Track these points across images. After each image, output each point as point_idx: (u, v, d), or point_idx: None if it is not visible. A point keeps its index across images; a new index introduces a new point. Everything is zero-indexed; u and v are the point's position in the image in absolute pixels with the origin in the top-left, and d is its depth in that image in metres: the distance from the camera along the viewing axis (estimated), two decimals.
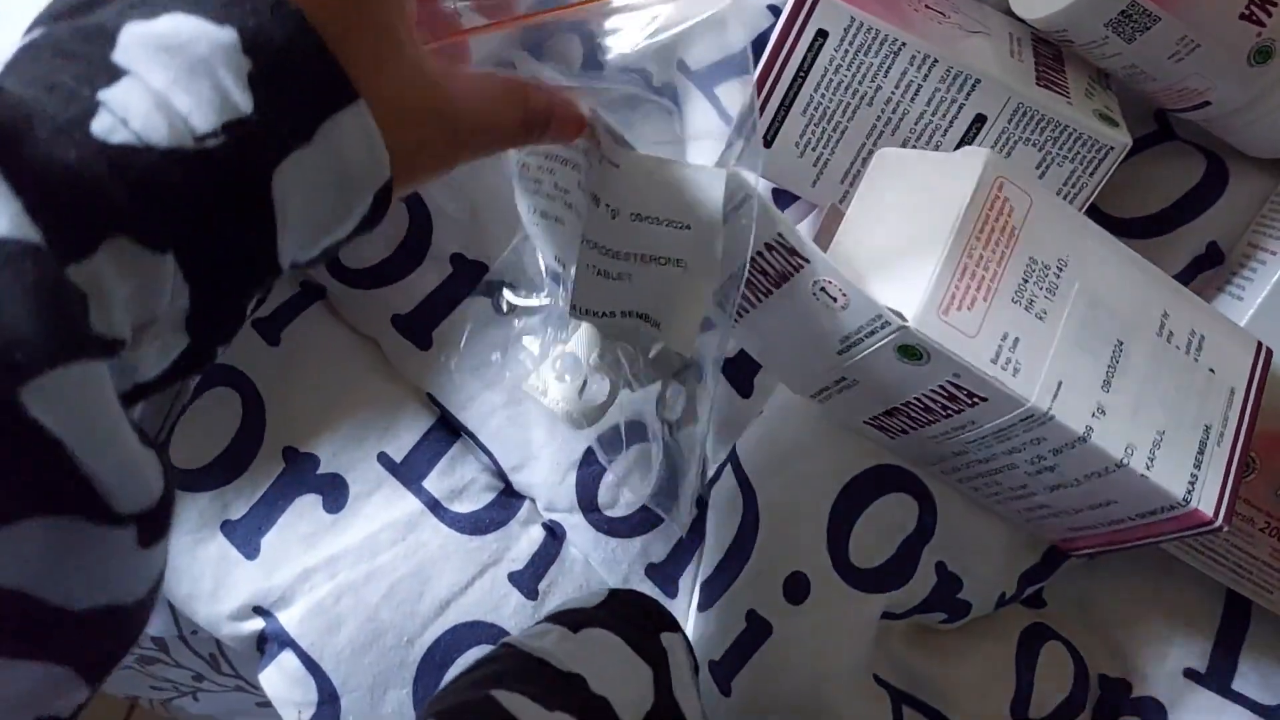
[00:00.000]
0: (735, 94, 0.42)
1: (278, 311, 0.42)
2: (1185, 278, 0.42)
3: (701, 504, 0.43)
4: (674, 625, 0.36)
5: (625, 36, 0.42)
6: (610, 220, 0.34)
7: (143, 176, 0.20)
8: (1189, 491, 0.34)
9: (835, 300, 0.32)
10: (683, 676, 0.35)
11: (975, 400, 0.33)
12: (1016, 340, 0.33)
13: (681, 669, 0.35)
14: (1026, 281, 0.34)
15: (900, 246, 0.34)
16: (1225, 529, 0.34)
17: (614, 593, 0.37)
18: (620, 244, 0.34)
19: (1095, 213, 0.42)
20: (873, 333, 0.33)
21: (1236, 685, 0.43)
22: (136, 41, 0.21)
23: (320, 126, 0.23)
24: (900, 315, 0.32)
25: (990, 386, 0.32)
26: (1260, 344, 0.36)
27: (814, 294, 0.33)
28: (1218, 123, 0.39)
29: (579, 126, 0.32)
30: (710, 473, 0.43)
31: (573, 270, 0.34)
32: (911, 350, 0.33)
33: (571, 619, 0.35)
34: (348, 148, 0.23)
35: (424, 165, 0.27)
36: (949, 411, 0.35)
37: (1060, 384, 0.33)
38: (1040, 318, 0.34)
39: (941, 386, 0.34)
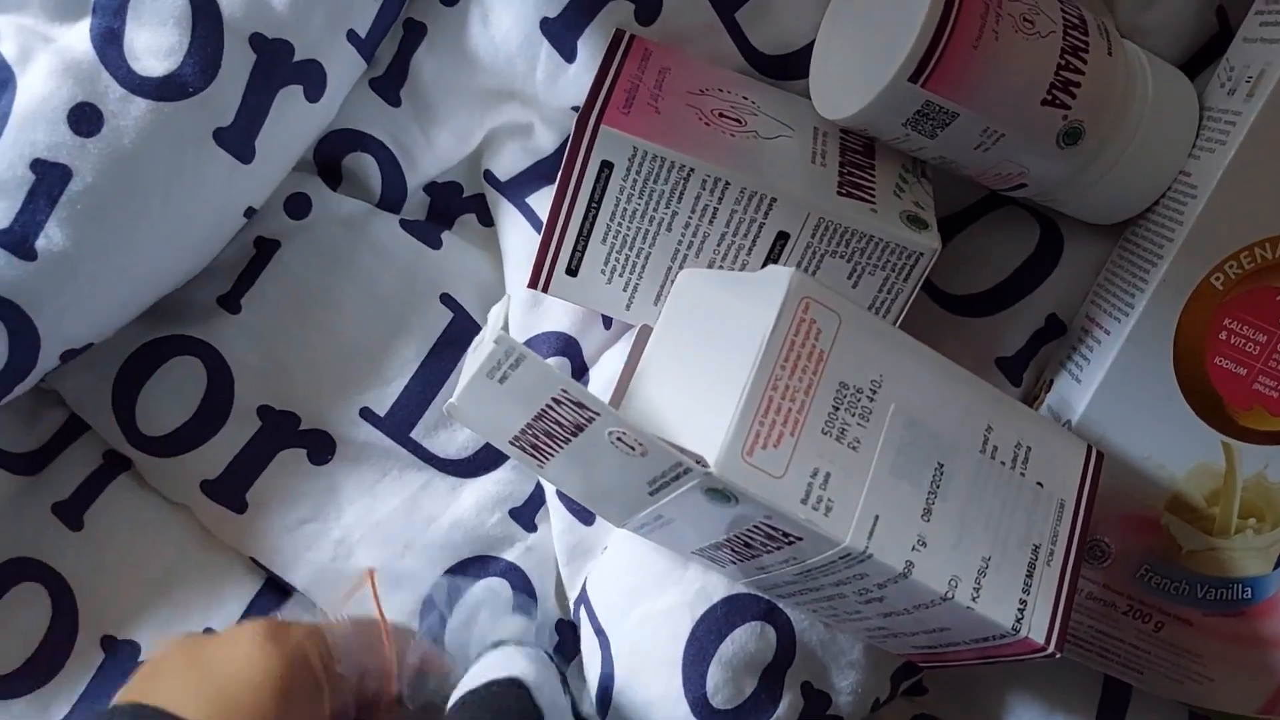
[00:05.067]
0: (548, 202, 0.40)
1: (78, 491, 0.40)
2: (1028, 353, 0.41)
3: (566, 631, 0.42)
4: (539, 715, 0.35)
5: None
6: None
7: None
8: (1018, 621, 0.32)
9: (634, 449, 0.31)
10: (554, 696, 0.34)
11: (791, 539, 0.32)
12: (828, 476, 0.32)
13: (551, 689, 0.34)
14: (838, 409, 0.32)
15: (702, 381, 0.33)
16: (1058, 656, 0.32)
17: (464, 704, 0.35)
18: None
19: (931, 288, 0.41)
20: (677, 477, 0.31)
21: None
22: None
23: None
24: (701, 460, 0.31)
25: (803, 528, 0.31)
26: (1090, 448, 0.35)
27: (612, 443, 0.31)
28: (1042, 197, 0.38)
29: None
30: (570, 599, 0.42)
31: None
32: (719, 494, 0.31)
33: None
34: None
35: None
36: (769, 548, 0.33)
37: (877, 519, 0.32)
38: (853, 448, 0.32)
39: (757, 526, 0.32)
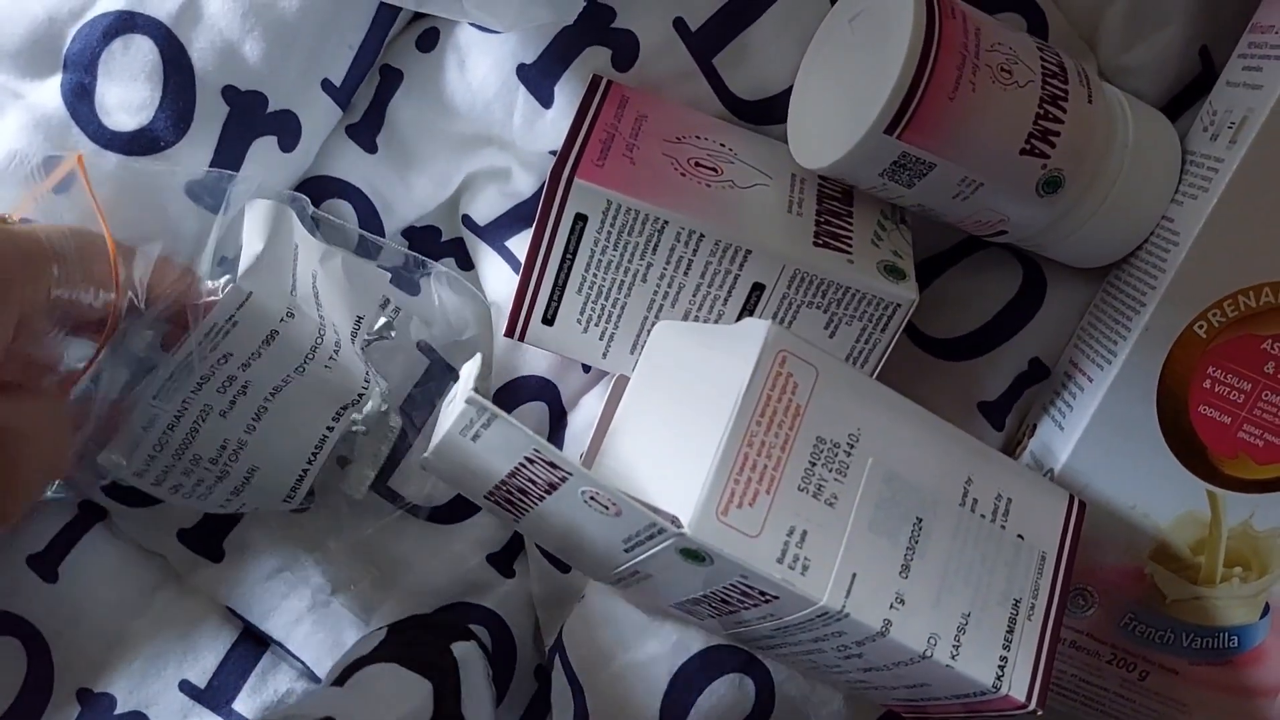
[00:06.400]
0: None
1: (53, 543, 0.39)
2: (1010, 397, 0.40)
3: (545, 678, 0.42)
4: (467, 635, 0.35)
5: None
6: None
7: None
8: (998, 678, 0.32)
9: (607, 508, 0.31)
10: (475, 683, 0.34)
11: (768, 597, 0.32)
12: (804, 534, 0.31)
13: (475, 676, 0.34)
14: (814, 465, 0.32)
15: (677, 437, 0.32)
16: (1039, 713, 0.32)
17: (393, 627, 0.35)
18: None
19: (912, 332, 0.41)
20: (651, 537, 0.31)
21: None
22: None
23: None
24: (675, 520, 0.30)
25: (779, 587, 0.31)
26: (1072, 499, 0.35)
27: (585, 502, 0.31)
28: (1024, 243, 0.38)
29: None
30: (547, 644, 0.41)
31: None
32: (693, 554, 0.31)
33: (341, 674, 0.33)
34: None
35: None
36: (746, 605, 0.33)
37: (854, 576, 0.31)
38: (830, 504, 0.32)
39: (733, 584, 0.32)
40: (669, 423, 0.33)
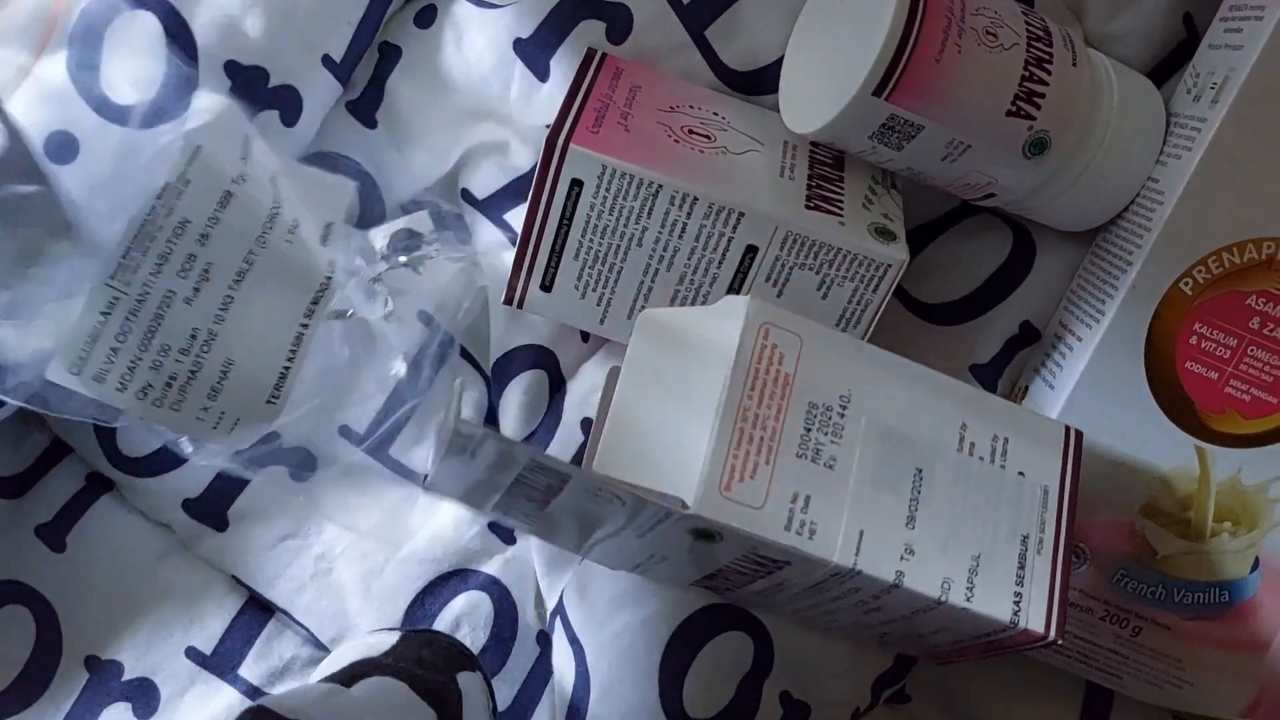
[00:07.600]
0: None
1: (61, 513, 0.40)
2: (1002, 360, 0.41)
3: (547, 644, 0.42)
4: (473, 665, 0.36)
5: None
6: None
7: None
8: (1015, 614, 0.33)
9: (612, 501, 0.31)
10: (475, 715, 0.34)
11: (780, 564, 0.32)
12: (808, 499, 0.32)
13: (476, 709, 0.35)
14: (810, 430, 0.32)
15: (673, 422, 0.33)
16: (1060, 642, 0.33)
17: (407, 635, 0.36)
18: None
19: (904, 297, 0.41)
20: (660, 520, 0.31)
21: None
22: None
23: None
24: (682, 502, 0.31)
25: (789, 553, 0.31)
26: (1068, 429, 0.35)
27: (589, 499, 0.31)
28: (1013, 206, 0.38)
29: None
30: (548, 609, 0.42)
31: None
32: (704, 533, 0.31)
33: (350, 672, 0.34)
34: None
35: None
36: (760, 573, 0.33)
37: (862, 534, 0.32)
38: (830, 466, 0.32)
39: (745, 556, 0.32)
40: (664, 409, 0.33)
